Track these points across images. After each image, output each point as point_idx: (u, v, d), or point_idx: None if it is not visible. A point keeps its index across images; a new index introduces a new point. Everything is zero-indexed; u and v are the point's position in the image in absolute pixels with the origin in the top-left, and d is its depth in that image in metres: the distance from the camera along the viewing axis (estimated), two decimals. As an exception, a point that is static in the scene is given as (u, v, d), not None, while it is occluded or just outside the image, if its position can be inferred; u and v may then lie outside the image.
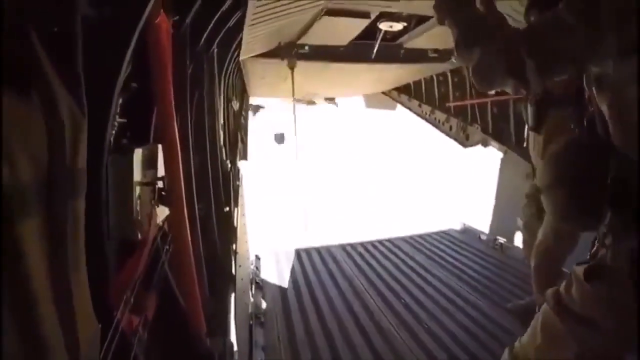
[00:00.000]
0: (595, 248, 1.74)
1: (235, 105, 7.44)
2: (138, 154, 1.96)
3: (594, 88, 1.69)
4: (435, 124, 9.45)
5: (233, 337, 2.96)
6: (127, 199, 1.85)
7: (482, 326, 3.97)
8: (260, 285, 5.18)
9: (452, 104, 8.75)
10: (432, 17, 5.78)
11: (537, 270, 3.27)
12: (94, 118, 1.25)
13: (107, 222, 1.71)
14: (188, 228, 2.31)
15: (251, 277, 5.18)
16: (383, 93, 11.48)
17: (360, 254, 6.37)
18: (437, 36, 6.38)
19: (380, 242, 6.79)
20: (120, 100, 1.93)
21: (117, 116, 1.86)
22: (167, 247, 2.48)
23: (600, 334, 1.70)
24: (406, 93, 10.67)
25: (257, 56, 6.54)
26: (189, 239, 2.31)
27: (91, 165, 1.23)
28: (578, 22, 1.50)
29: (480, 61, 1.72)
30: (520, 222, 5.71)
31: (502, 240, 6.41)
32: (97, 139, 1.57)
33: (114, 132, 1.83)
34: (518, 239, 6.14)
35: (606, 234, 1.67)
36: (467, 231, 7.39)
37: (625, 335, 1.70)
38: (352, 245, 6.73)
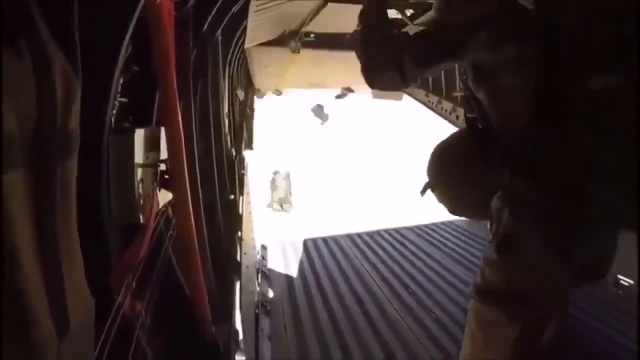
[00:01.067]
0: (494, 228, 1.83)
1: (241, 94, 7.37)
2: (139, 135, 1.91)
3: (471, 78, 1.91)
4: (442, 114, 9.32)
5: (239, 325, 2.92)
6: (128, 180, 1.80)
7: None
8: (266, 274, 5.15)
9: (458, 94, 8.64)
10: (439, 4, 5.73)
11: None
12: (94, 96, 1.20)
13: (108, 204, 1.66)
14: (192, 213, 2.26)
15: (257, 266, 5.15)
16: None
17: (367, 243, 6.33)
18: (443, 25, 6.29)
19: (387, 231, 6.75)
20: (122, 80, 1.88)
21: (117, 95, 1.82)
22: (171, 232, 2.43)
23: (531, 301, 1.76)
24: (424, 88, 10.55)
25: (261, 45, 6.46)
26: (193, 224, 2.26)
27: (90, 145, 1.19)
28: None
29: (367, 58, 2.02)
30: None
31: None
32: (96, 117, 1.53)
33: (114, 112, 1.78)
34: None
35: (500, 209, 1.79)
36: (474, 221, 7.33)
37: (555, 294, 1.86)
38: (358, 235, 6.70)
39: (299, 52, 6.62)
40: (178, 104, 2.22)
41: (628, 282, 4.08)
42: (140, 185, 1.88)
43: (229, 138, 5.22)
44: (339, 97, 13.77)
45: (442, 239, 6.40)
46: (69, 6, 1.07)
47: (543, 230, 1.71)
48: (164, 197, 2.26)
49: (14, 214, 0.74)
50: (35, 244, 0.81)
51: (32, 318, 0.78)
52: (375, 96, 13.48)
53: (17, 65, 0.79)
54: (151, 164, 2.06)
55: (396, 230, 6.80)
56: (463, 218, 7.20)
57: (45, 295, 0.83)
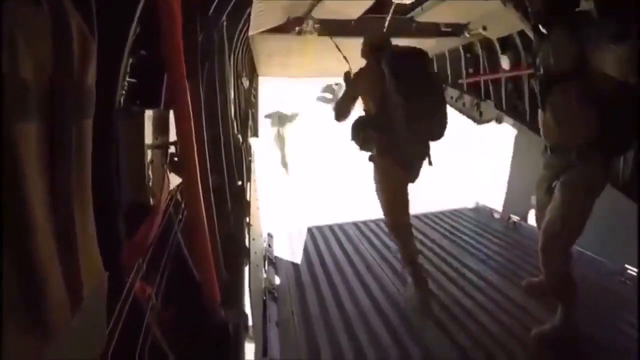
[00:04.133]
0: None
1: (245, 82, 7.34)
2: (149, 116, 1.89)
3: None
4: (448, 101, 9.28)
5: (247, 310, 2.91)
6: (138, 161, 1.78)
7: (496, 302, 3.91)
8: (273, 262, 5.15)
9: (465, 80, 8.59)
10: (444, -10, 5.68)
11: (544, 252, 3.19)
12: (103, 75, 1.18)
13: (118, 185, 1.64)
14: (202, 197, 2.24)
15: (264, 253, 5.15)
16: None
17: (373, 231, 6.31)
18: (449, 10, 6.23)
19: None
20: (130, 61, 1.86)
21: (127, 75, 1.79)
22: (180, 216, 2.42)
23: None
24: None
25: (265, 32, 6.41)
26: (203, 208, 2.25)
27: (99, 124, 1.16)
28: None
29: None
30: (534, 200, 5.65)
31: (515, 218, 6.32)
32: (106, 97, 1.50)
33: (123, 92, 1.76)
34: (532, 218, 6.08)
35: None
36: (480, 209, 7.31)
37: None
38: (365, 223, 6.68)
39: (315, 33, 6.50)
40: (187, 87, 2.20)
41: (636, 273, 4.06)
42: (150, 167, 1.86)
43: (235, 124, 5.20)
44: (320, 99, 13.53)
45: (449, 227, 6.38)
46: None
47: None
48: (174, 180, 2.25)
49: (27, 168, 0.72)
50: (48, 202, 0.78)
51: (44, 282, 0.75)
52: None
53: (36, 18, 0.77)
54: (160, 145, 2.04)
55: None
56: (470, 206, 7.22)
57: (58, 261, 0.81)
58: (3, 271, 0.66)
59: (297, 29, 6.39)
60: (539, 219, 3.58)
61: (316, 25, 6.38)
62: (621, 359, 3.06)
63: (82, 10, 0.95)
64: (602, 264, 4.43)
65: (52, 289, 0.78)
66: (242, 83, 6.79)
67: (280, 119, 18.62)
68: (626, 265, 4.18)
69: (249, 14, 4.70)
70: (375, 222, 6.64)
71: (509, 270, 4.64)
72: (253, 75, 9.12)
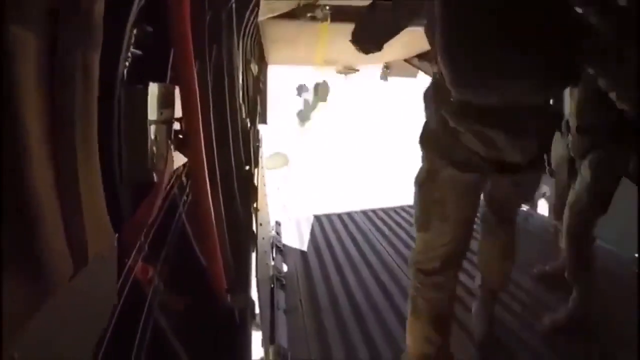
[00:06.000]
0: None
1: (254, 68, 7.25)
2: (153, 89, 1.81)
3: None
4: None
5: (255, 296, 2.84)
6: (141, 135, 1.70)
7: (508, 291, 3.83)
8: (280, 249, 5.08)
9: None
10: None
11: (569, 231, 3.16)
12: (106, 43, 1.10)
13: (120, 160, 1.57)
14: (207, 178, 2.16)
15: (272, 241, 5.08)
16: (405, 60, 11.17)
17: (382, 219, 6.23)
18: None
19: (402, 208, 6.64)
20: (135, 32, 1.78)
21: (131, 46, 1.71)
22: (185, 197, 2.34)
23: None
24: (428, 60, 10.36)
25: (275, 18, 6.29)
26: (209, 189, 2.17)
27: (101, 97, 1.09)
28: None
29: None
30: (545, 189, 5.52)
31: (524, 208, 6.22)
32: (108, 65, 1.42)
33: (127, 63, 1.67)
34: (541, 208, 6.00)
35: None
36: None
37: None
38: (373, 211, 6.60)
39: (327, 20, 6.36)
40: (194, 64, 2.12)
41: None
42: (153, 143, 1.78)
43: (243, 109, 5.12)
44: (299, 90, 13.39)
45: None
46: None
47: None
48: (179, 159, 2.17)
49: (24, 82, 0.63)
50: (46, 133, 0.70)
51: (40, 224, 0.67)
52: (387, 74, 13.25)
53: None
54: (164, 120, 1.95)
55: (411, 207, 6.70)
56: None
57: (61, 215, 0.72)
58: None
59: (308, 15, 6.25)
60: (556, 204, 3.52)
61: (327, 11, 6.24)
62: (634, 348, 2.99)
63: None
64: (615, 254, 4.34)
65: (50, 235, 0.70)
66: (250, 69, 6.70)
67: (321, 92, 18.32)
68: (636, 255, 4.10)
69: None
70: (385, 210, 6.56)
71: (519, 259, 4.56)
72: (262, 61, 9.03)
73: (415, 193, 2.36)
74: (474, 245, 2.87)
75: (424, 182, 2.28)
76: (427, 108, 2.29)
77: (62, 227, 0.75)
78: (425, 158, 2.30)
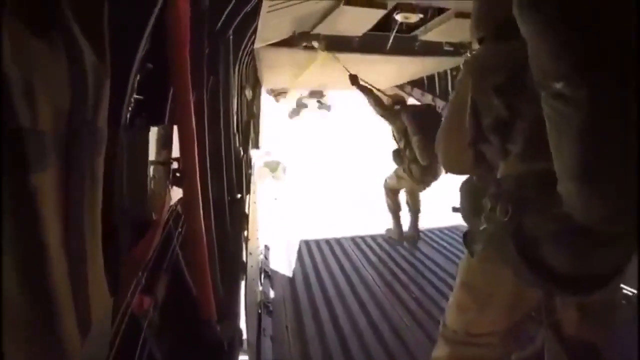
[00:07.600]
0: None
1: (249, 94, 7.38)
2: (154, 132, 1.92)
3: None
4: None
5: (242, 325, 2.92)
6: (142, 177, 1.80)
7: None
8: (269, 275, 5.16)
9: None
10: (449, 9, 5.70)
11: None
12: (111, 93, 1.20)
13: (122, 200, 1.66)
14: (201, 211, 2.27)
15: (260, 265, 5.16)
16: (396, 86, 11.34)
17: (370, 246, 6.33)
18: (453, 29, 6.27)
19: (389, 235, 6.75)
20: (138, 77, 1.88)
21: (134, 93, 1.82)
22: (180, 230, 2.44)
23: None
24: (419, 87, 10.54)
25: (271, 45, 6.45)
26: (202, 222, 2.27)
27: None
28: None
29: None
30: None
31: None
32: (113, 114, 1.53)
33: (130, 109, 1.78)
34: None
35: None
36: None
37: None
38: (361, 237, 6.70)
39: (324, 50, 6.53)
40: (191, 103, 2.23)
41: (632, 292, 4.07)
42: (152, 182, 1.88)
43: (237, 137, 5.23)
44: (294, 113, 13.54)
45: (446, 245, 6.39)
46: (99, 3, 1.07)
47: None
48: (176, 194, 2.27)
49: (44, 211, 0.74)
50: (63, 240, 0.81)
51: (58, 315, 0.78)
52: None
53: (52, 59, 0.78)
54: (164, 161, 2.06)
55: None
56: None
57: (71, 293, 0.83)
58: (22, 306, 0.69)
59: (303, 44, 6.42)
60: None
61: (320, 42, 6.41)
62: None
63: (94, 43, 0.97)
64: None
65: (65, 319, 0.80)
66: (245, 95, 6.83)
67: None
68: (622, 285, 4.18)
69: (256, 28, 4.73)
70: (373, 237, 6.66)
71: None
72: (256, 86, 9.17)
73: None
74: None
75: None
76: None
77: (74, 307, 0.85)
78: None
